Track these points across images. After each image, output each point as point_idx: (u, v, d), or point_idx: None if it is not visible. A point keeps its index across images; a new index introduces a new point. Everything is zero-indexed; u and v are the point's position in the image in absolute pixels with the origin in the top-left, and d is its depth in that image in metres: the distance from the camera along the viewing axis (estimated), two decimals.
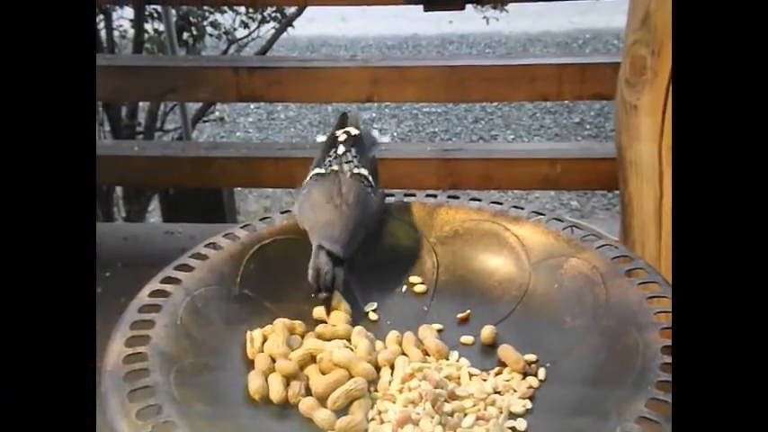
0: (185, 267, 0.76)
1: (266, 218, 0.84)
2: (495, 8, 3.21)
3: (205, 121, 3.48)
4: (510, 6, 3.29)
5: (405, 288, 0.81)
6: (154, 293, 0.72)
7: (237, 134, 4.33)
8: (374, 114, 4.47)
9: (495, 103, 4.18)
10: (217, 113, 3.88)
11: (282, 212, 0.84)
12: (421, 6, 1.41)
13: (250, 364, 0.70)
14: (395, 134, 4.34)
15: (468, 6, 1.44)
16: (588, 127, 4.22)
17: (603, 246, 0.76)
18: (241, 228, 0.82)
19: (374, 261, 0.83)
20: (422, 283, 0.81)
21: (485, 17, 3.51)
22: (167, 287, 0.73)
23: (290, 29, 3.04)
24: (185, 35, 2.69)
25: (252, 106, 4.47)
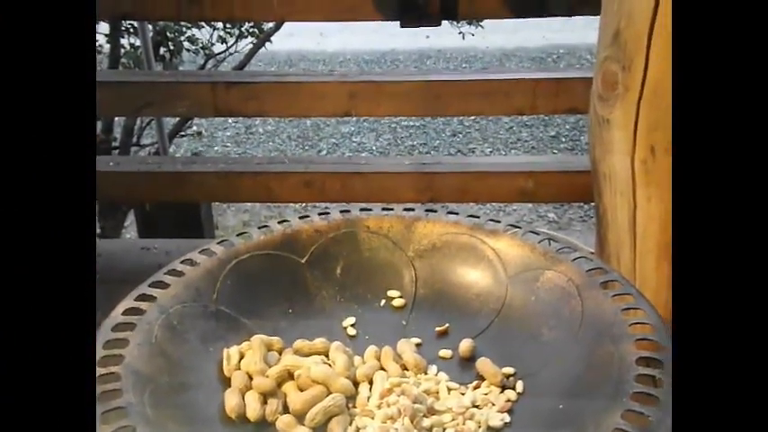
0: (160, 284, 0.75)
1: (243, 233, 0.84)
2: (470, 24, 3.24)
3: (182, 136, 3.47)
4: (485, 22, 3.32)
5: (383, 302, 0.82)
6: (128, 311, 0.72)
7: (215, 148, 4.32)
8: (353, 128, 4.48)
9: (472, 117, 4.21)
10: (194, 128, 3.87)
11: (260, 227, 0.84)
12: (398, 22, 1.42)
13: (227, 382, 0.69)
14: (373, 148, 4.35)
15: (445, 22, 1.46)
16: (564, 140, 4.27)
17: (579, 258, 0.77)
18: (218, 243, 0.82)
19: (352, 275, 0.83)
20: (400, 297, 0.82)
21: (461, 33, 3.55)
22: (142, 305, 0.73)
23: (268, 44, 3.04)
24: (162, 50, 2.69)
25: (230, 120, 4.46)
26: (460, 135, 4.38)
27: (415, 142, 4.36)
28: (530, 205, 3.56)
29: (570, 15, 1.37)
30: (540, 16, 1.39)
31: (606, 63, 0.94)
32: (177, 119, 2.85)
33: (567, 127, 4.30)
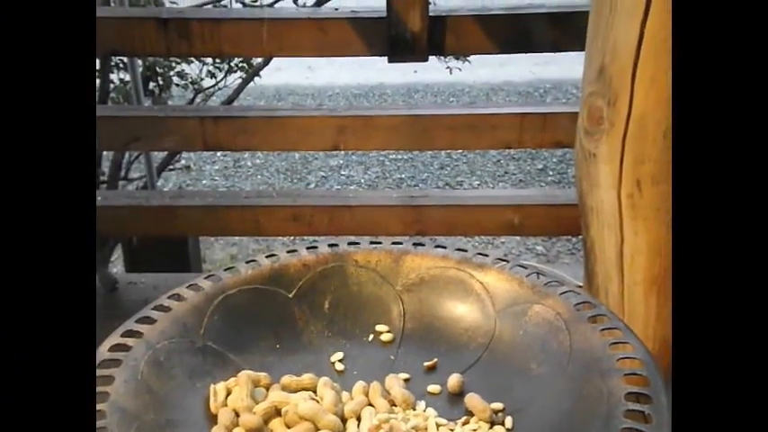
0: (147, 320, 0.75)
1: (231, 267, 0.83)
2: (458, 59, 3.28)
3: (171, 170, 3.47)
4: (472, 57, 3.36)
5: (371, 337, 0.81)
6: (114, 348, 0.71)
7: (204, 182, 4.31)
8: (341, 161, 4.49)
9: (460, 150, 4.24)
10: (183, 162, 3.87)
11: (248, 261, 0.84)
12: (386, 57, 1.43)
13: (213, 419, 0.68)
14: (362, 181, 4.36)
15: (432, 57, 1.47)
16: (551, 173, 4.29)
17: (566, 292, 0.77)
18: (205, 278, 0.81)
19: (340, 310, 0.83)
20: (388, 332, 0.81)
21: (448, 67, 3.59)
22: (128, 341, 0.72)
23: (257, 78, 3.07)
24: (151, 85, 2.70)
25: (218, 154, 4.46)
26: (448, 168, 4.40)
27: (403, 175, 4.38)
28: (518, 238, 3.57)
29: (555, 51, 1.39)
30: (525, 51, 1.41)
31: (591, 98, 0.96)
32: (166, 153, 2.85)
33: (554, 160, 4.33)
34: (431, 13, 1.37)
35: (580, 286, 0.93)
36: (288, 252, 0.85)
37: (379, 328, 0.81)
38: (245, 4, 2.87)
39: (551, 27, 1.36)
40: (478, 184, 4.23)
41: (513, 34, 1.38)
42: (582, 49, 1.00)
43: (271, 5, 2.90)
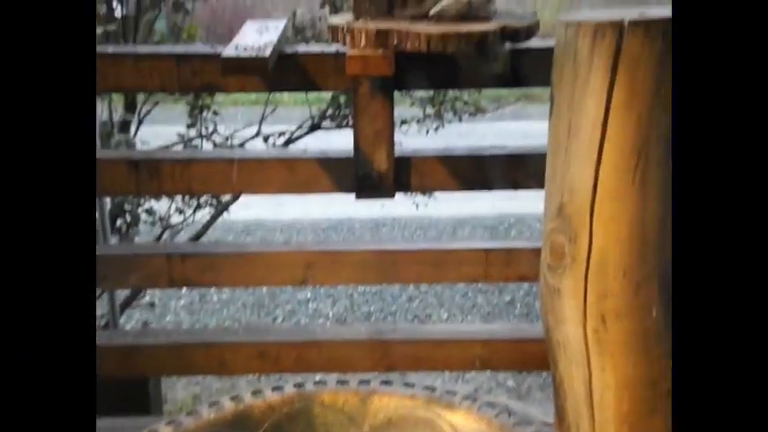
0: None
1: (192, 411, 0.81)
2: (424, 194, 3.36)
3: (134, 307, 3.41)
4: (437, 192, 3.46)
5: None
6: None
7: (168, 318, 4.24)
8: (309, 295, 4.47)
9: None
10: (147, 298, 3.81)
11: (211, 404, 0.82)
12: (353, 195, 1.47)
13: None
14: (330, 314, 4.32)
15: (399, 192, 1.52)
16: (519, 306, 4.31)
17: None
18: (166, 424, 0.79)
19: None
20: None
21: (414, 203, 3.67)
22: None
23: (225, 213, 3.10)
24: (119, 222, 2.71)
25: (184, 289, 4.42)
26: (417, 300, 4.40)
27: (371, 308, 4.36)
28: (488, 372, 3.52)
29: (515, 189, 1.44)
30: (486, 189, 1.46)
31: (553, 235, 0.98)
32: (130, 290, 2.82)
33: (521, 293, 4.37)
34: (396, 154, 1.42)
35: (550, 424, 0.92)
36: (252, 393, 0.83)
37: None
38: (215, 145, 2.94)
39: (511, 167, 1.42)
40: (447, 318, 4.22)
41: (474, 174, 1.43)
42: (541, 187, 1.04)
43: (241, 145, 2.98)
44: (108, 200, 2.52)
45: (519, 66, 1.33)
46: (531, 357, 1.45)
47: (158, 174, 1.43)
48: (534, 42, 1.28)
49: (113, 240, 2.59)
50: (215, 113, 2.93)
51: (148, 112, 2.98)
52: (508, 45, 1.24)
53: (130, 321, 3.97)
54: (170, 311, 4.32)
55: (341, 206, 5.13)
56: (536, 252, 1.08)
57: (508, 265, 1.46)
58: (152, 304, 3.85)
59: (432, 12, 1.23)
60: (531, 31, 1.24)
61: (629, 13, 0.91)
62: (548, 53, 1.04)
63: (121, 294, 2.71)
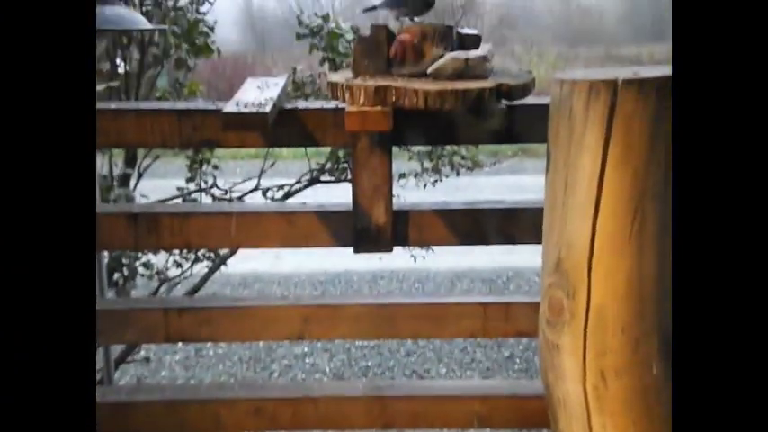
0: None
1: None
2: (422, 247, 3.37)
3: (129, 362, 3.37)
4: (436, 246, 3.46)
5: None
6: None
7: (163, 373, 4.19)
8: (306, 349, 4.43)
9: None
10: (143, 353, 3.77)
11: None
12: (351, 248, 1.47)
13: None
14: (327, 369, 4.28)
15: (397, 246, 1.52)
16: (518, 361, 4.27)
17: None
18: None
19: None
20: None
21: (412, 256, 3.67)
22: None
23: (223, 266, 3.09)
24: (116, 275, 2.70)
25: (180, 343, 4.38)
26: (415, 355, 4.36)
27: (369, 363, 4.32)
28: (488, 430, 3.47)
29: (513, 244, 1.44)
30: (484, 244, 1.46)
31: (551, 290, 0.98)
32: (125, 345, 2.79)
33: (521, 347, 4.33)
34: (394, 208, 1.43)
35: None
36: None
37: None
38: (214, 198, 2.96)
39: (508, 222, 1.42)
40: (445, 373, 4.17)
41: (472, 228, 1.44)
42: (538, 242, 1.04)
43: (240, 199, 2.99)
44: (105, 253, 2.52)
45: (515, 122, 1.35)
46: (531, 414, 1.44)
47: (157, 228, 1.43)
48: (530, 99, 1.30)
49: (110, 294, 2.58)
50: (215, 167, 2.96)
51: (148, 166, 3.00)
52: (504, 102, 1.26)
53: (125, 377, 3.92)
54: (165, 366, 4.27)
55: (339, 258, 5.13)
56: (534, 307, 1.08)
57: (507, 319, 1.46)
58: (147, 359, 3.81)
59: (429, 70, 1.25)
60: (526, 88, 1.26)
61: (622, 72, 0.93)
62: (543, 110, 1.06)
63: (116, 349, 2.68)
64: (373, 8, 1.50)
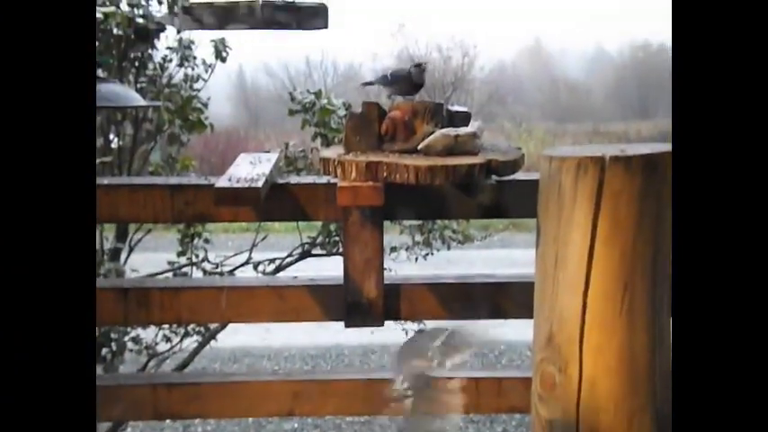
0: None
1: None
2: (413, 321, 3.35)
3: None
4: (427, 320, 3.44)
5: None
6: None
7: None
8: (296, 425, 4.33)
9: None
10: (129, 430, 3.68)
11: None
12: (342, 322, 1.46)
13: None
14: None
15: (388, 320, 1.51)
16: None
17: None
18: None
19: None
20: None
21: (404, 329, 3.64)
22: None
23: (212, 341, 3.05)
24: (104, 351, 2.66)
25: (168, 420, 4.28)
26: None
27: None
28: None
29: (504, 318, 1.44)
30: (475, 318, 1.46)
31: (543, 364, 0.98)
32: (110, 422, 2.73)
33: (514, 424, 4.25)
34: (386, 281, 1.43)
35: None
36: None
37: None
38: (205, 272, 2.95)
39: (500, 296, 1.43)
40: None
41: (463, 302, 1.44)
42: (530, 316, 1.04)
43: (231, 272, 2.98)
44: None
45: (504, 197, 1.37)
46: None
47: (147, 302, 1.42)
48: (519, 175, 1.32)
49: (98, 370, 2.54)
50: (206, 241, 2.96)
51: (140, 239, 3.00)
52: (494, 178, 1.28)
53: None
54: None
55: (329, 333, 5.08)
56: (527, 381, 1.07)
57: (499, 395, 1.44)
58: None
59: (420, 146, 1.27)
60: (516, 164, 1.29)
61: (609, 149, 0.96)
62: (533, 185, 1.08)
63: (102, 427, 2.62)
64: (370, 83, 1.56)
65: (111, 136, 2.83)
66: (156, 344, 2.97)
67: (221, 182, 1.27)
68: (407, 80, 1.45)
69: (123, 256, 2.88)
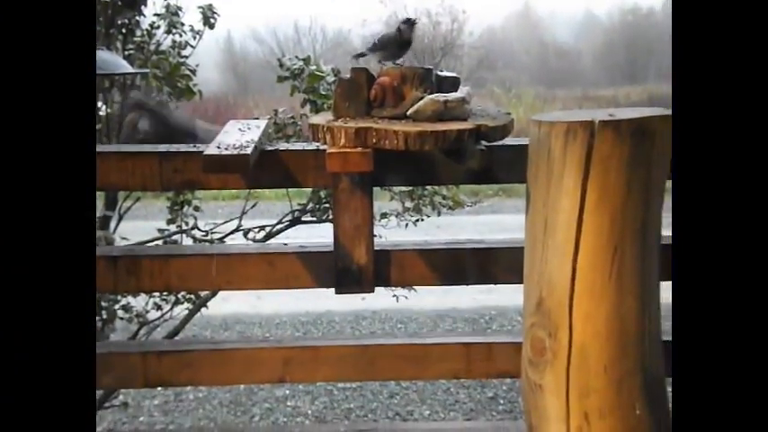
0: None
1: None
2: (404, 287, 3.36)
3: (106, 407, 3.30)
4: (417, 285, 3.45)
5: None
6: None
7: (141, 419, 4.10)
8: (287, 392, 4.37)
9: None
10: (120, 398, 3.70)
11: None
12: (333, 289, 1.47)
13: None
14: (309, 412, 4.22)
15: (378, 286, 1.51)
16: (502, 402, 4.24)
17: None
18: None
19: None
20: None
21: (395, 296, 3.65)
22: None
23: (203, 308, 3.06)
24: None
25: (159, 388, 4.30)
26: (398, 397, 4.31)
27: (351, 405, 4.26)
28: None
29: (494, 284, 1.45)
30: (465, 284, 1.46)
31: (533, 329, 0.98)
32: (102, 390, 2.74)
33: (504, 388, 4.31)
34: (376, 248, 1.43)
35: None
36: None
37: None
38: (195, 240, 2.94)
39: (490, 261, 1.43)
40: (429, 414, 4.13)
41: (453, 268, 1.44)
42: (520, 282, 1.05)
43: (221, 240, 2.98)
44: None
45: (494, 163, 1.37)
46: None
47: (137, 270, 1.42)
48: (509, 140, 1.32)
49: None
50: (196, 209, 2.95)
51: (129, 208, 2.98)
52: (483, 143, 1.28)
53: (102, 423, 3.84)
54: (144, 412, 4.19)
55: (320, 300, 5.10)
56: (517, 346, 1.08)
57: (489, 360, 1.45)
58: (125, 404, 3.74)
59: (409, 112, 1.26)
60: (505, 130, 1.28)
61: (599, 114, 0.95)
62: (522, 151, 1.08)
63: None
64: (362, 55, 1.53)
65: (100, 104, 2.79)
66: (147, 312, 2.97)
67: (210, 149, 1.25)
68: (395, 41, 1.43)
69: (113, 224, 2.87)
